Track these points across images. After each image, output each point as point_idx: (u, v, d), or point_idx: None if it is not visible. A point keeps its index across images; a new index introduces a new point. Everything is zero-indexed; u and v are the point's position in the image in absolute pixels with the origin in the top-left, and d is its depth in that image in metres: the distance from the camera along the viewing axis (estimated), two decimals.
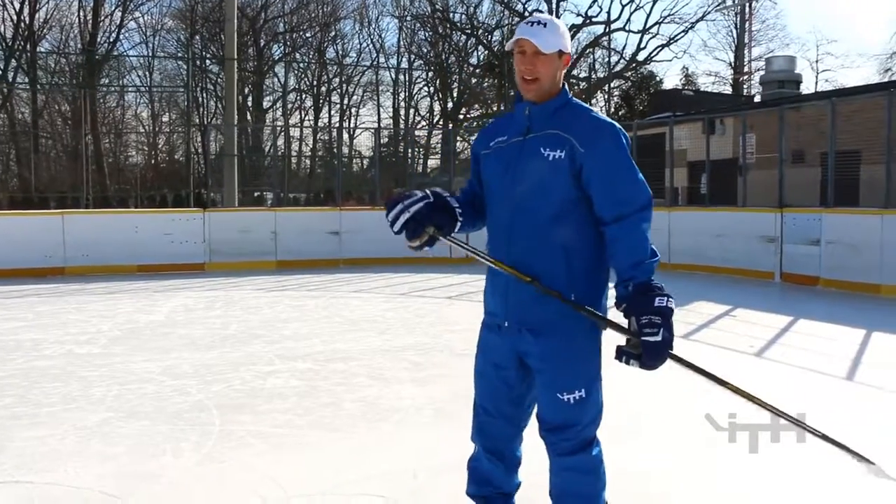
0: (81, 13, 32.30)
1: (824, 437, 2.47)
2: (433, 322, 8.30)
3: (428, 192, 2.56)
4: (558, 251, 2.46)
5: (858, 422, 4.48)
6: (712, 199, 15.34)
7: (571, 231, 2.47)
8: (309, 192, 27.12)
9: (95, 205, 20.23)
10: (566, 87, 2.58)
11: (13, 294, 10.54)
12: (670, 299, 2.32)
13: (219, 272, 13.27)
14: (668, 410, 4.90)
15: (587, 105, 2.61)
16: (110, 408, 4.89)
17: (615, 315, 2.50)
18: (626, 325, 2.38)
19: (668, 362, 2.34)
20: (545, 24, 2.48)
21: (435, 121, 37.85)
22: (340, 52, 38.42)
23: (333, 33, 37.93)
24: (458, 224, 2.61)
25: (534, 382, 2.60)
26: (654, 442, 4.36)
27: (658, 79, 38.42)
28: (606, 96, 35.24)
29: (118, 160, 30.19)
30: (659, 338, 2.27)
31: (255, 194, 24.92)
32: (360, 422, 4.66)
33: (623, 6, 36.06)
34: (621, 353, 2.34)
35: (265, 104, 36.42)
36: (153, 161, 31.65)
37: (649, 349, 2.28)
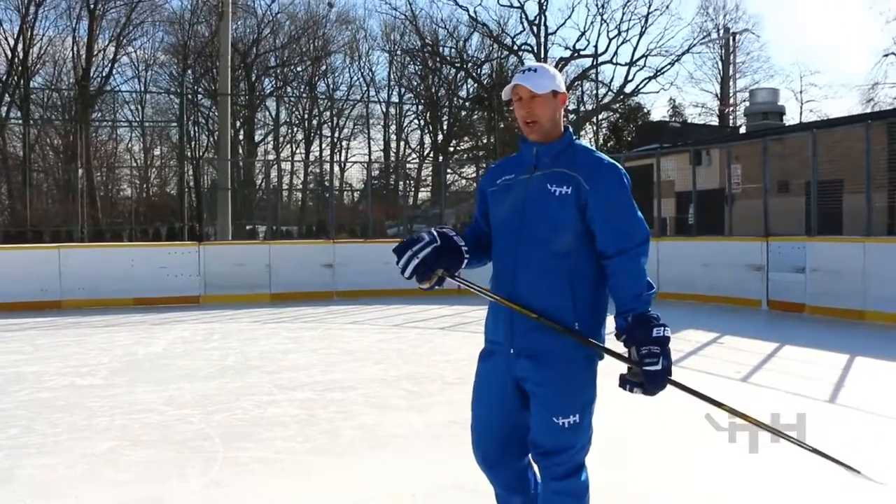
0: (75, 48, 32.70)
1: (815, 451, 2.64)
2: (427, 352, 8.46)
3: (435, 233, 2.68)
4: (564, 283, 2.59)
5: (841, 441, 4.64)
6: (699, 229, 15.62)
7: (576, 264, 2.61)
8: (301, 224, 27.33)
9: (89, 238, 20.31)
10: (570, 129, 2.76)
11: (12, 327, 10.65)
12: (666, 328, 2.49)
13: (214, 305, 13.40)
14: (667, 410, 5.06)
15: (590, 146, 2.79)
16: (116, 436, 5.02)
17: (614, 344, 2.63)
18: (625, 355, 2.53)
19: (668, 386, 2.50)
20: (535, 70, 2.69)
21: (425, 153, 38.26)
22: (331, 86, 38.99)
23: (324, 67, 38.55)
24: (466, 261, 2.73)
25: (528, 409, 2.68)
26: (655, 442, 4.53)
27: (645, 110, 39.16)
28: (595, 128, 35.78)
29: (110, 194, 30.33)
30: (659, 367, 2.44)
31: (248, 227, 25.09)
32: (360, 447, 4.80)
33: (610, 39, 37.00)
34: (625, 382, 2.50)
35: (256, 137, 36.82)
36: (145, 194, 31.83)
37: (651, 377, 2.45)
